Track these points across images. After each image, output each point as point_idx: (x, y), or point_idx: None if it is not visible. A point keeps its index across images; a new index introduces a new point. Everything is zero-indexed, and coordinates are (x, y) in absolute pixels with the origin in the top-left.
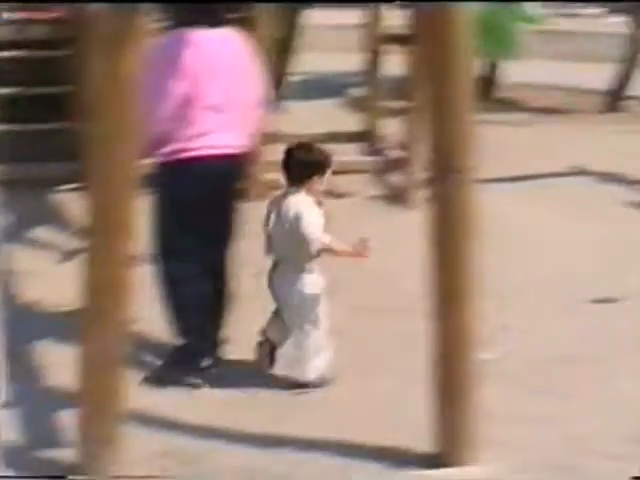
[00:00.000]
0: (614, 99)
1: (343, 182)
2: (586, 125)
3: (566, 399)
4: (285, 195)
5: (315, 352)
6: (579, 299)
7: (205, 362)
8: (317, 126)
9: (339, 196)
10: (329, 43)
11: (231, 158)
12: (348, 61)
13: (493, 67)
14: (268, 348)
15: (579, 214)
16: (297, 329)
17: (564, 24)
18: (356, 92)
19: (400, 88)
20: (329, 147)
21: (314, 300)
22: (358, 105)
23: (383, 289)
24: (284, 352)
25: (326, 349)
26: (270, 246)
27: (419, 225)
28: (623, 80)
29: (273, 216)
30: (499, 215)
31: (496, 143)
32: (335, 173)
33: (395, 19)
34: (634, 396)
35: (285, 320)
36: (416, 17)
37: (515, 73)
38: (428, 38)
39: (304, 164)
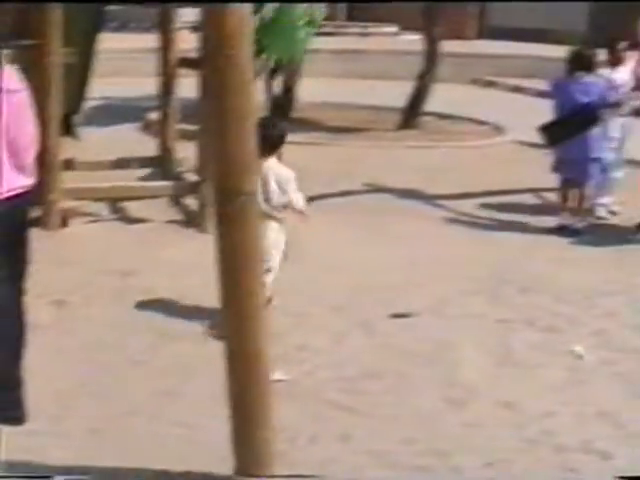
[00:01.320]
0: (410, 116)
1: (139, 207)
2: (383, 142)
3: (366, 415)
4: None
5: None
6: (375, 315)
7: (14, 398)
8: (115, 151)
9: (135, 221)
10: (126, 67)
11: (16, 199)
12: (146, 85)
13: (288, 86)
14: None
15: (376, 231)
16: None
17: (359, 43)
18: (153, 116)
19: (194, 111)
20: (125, 173)
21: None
22: (154, 129)
23: (181, 314)
24: None
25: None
26: None
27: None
28: (418, 97)
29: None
30: (295, 234)
31: (294, 163)
32: (131, 198)
33: (189, 42)
34: (430, 410)
35: None
36: (203, 38)
37: (311, 92)
38: (211, 59)
39: (277, 137)
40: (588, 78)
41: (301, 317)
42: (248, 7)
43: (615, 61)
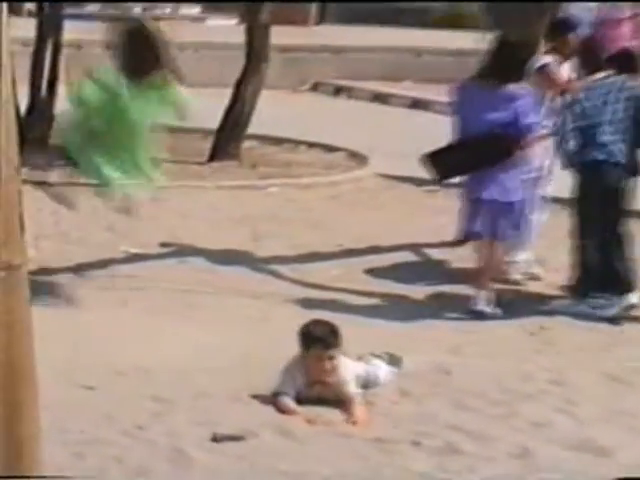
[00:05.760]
0: (225, 141)
1: None
2: (186, 181)
3: None
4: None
5: None
6: (192, 438)
7: None
8: None
9: None
10: None
11: None
12: None
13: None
14: None
15: (181, 315)
16: None
17: None
18: None
19: None
20: None
21: None
22: None
23: None
24: None
25: None
26: None
27: None
28: (237, 113)
29: None
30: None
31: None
32: None
33: None
34: None
35: None
36: None
37: None
38: None
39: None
40: (510, 87)
41: (86, 445)
42: None
43: (564, 52)
